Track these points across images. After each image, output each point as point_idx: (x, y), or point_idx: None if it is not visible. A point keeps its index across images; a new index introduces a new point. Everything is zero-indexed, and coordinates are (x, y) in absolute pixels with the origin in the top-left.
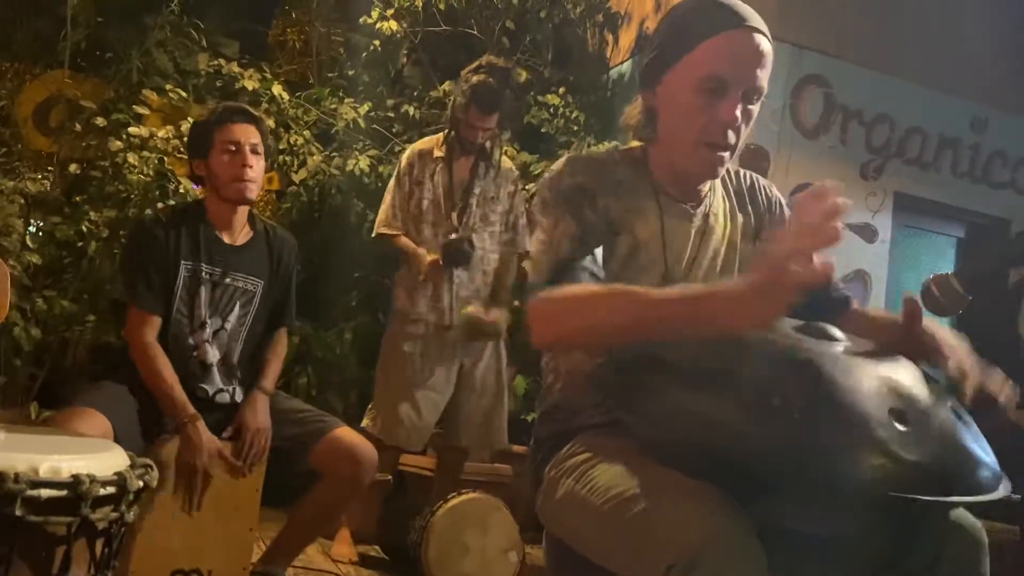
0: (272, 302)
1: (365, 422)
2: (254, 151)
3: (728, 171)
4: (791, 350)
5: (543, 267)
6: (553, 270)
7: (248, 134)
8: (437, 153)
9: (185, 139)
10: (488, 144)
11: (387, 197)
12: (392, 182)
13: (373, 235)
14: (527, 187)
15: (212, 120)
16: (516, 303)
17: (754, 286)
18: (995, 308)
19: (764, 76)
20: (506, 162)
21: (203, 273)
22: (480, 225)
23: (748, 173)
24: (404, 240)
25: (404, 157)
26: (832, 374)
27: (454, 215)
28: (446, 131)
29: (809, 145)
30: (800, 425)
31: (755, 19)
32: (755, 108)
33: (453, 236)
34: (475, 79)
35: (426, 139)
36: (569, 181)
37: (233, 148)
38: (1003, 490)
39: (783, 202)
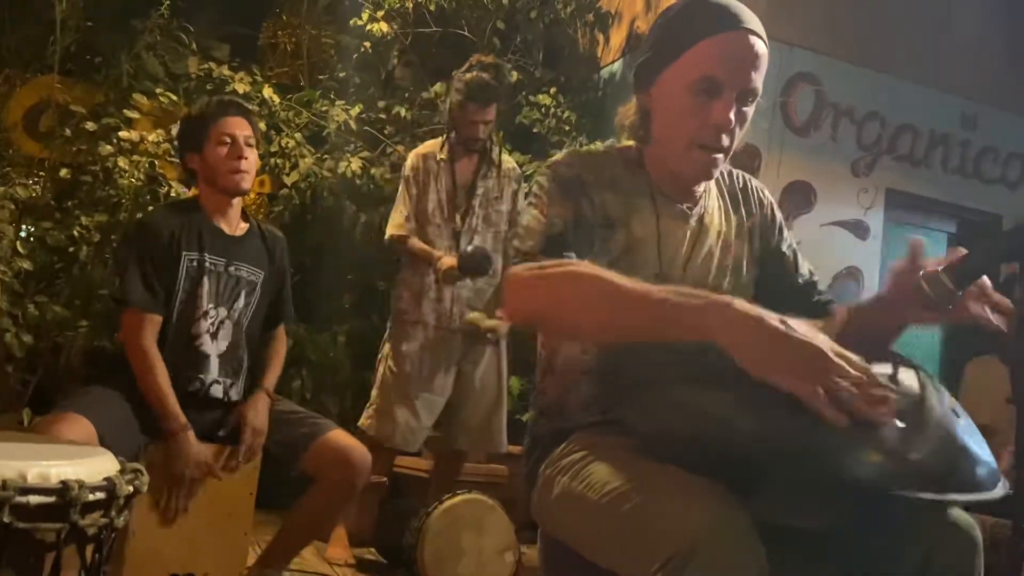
0: (269, 297)
1: (362, 422)
2: (247, 143)
3: (721, 171)
4: None
5: (534, 237)
6: (545, 241)
7: (242, 127)
8: (440, 156)
9: (176, 142)
10: (489, 143)
11: (398, 201)
12: (401, 187)
13: (386, 238)
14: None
15: (207, 114)
16: None
17: (758, 328)
18: None
19: (758, 78)
20: (508, 161)
21: (207, 263)
22: (483, 227)
23: (740, 174)
24: (416, 243)
25: (408, 161)
26: None
27: (457, 217)
28: (445, 134)
29: (800, 142)
30: (801, 422)
31: (750, 20)
32: (750, 110)
33: (471, 248)
34: (468, 76)
35: (428, 143)
36: (568, 172)
37: (229, 140)
38: (1001, 489)
39: (775, 205)
